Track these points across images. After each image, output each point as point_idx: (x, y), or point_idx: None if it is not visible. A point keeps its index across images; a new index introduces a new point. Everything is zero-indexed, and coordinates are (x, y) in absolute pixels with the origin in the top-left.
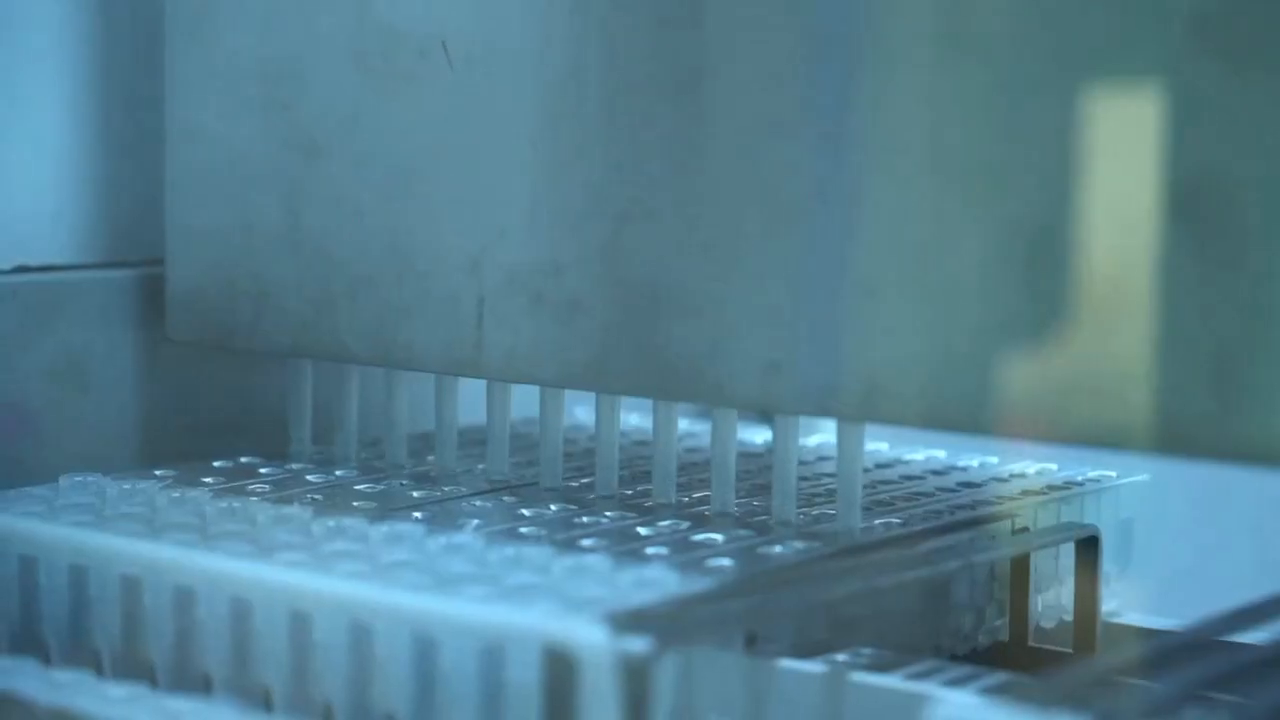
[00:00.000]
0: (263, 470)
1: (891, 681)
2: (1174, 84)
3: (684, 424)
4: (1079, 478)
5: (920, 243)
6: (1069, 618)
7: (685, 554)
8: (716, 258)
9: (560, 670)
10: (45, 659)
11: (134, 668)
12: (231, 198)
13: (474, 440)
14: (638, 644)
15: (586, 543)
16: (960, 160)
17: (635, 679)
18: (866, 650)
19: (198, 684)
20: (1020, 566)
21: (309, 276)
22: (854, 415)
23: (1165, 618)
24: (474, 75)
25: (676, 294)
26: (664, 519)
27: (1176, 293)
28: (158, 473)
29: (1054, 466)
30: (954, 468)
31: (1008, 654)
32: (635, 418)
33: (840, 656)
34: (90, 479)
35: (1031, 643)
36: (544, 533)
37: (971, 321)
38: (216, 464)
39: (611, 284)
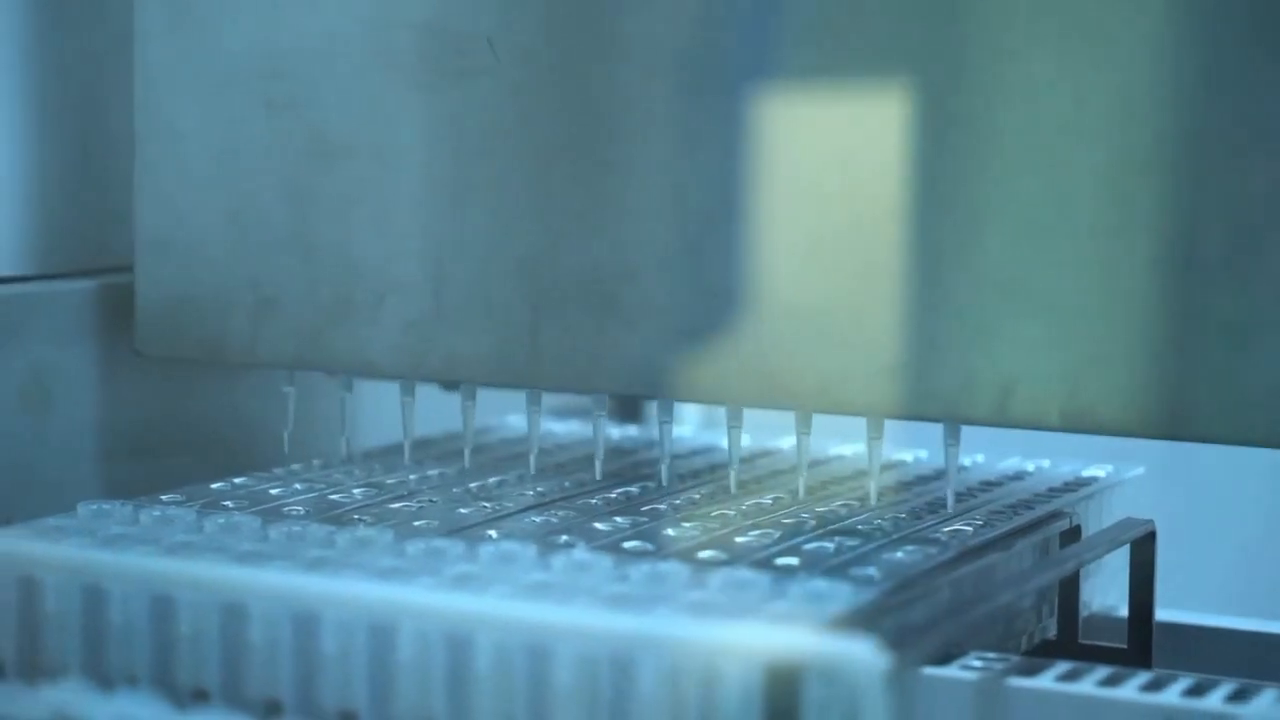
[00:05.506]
0: (274, 491)
1: (1157, 699)
2: None
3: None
4: (1082, 474)
5: (1055, 241)
6: (1088, 613)
7: (819, 564)
8: (824, 258)
9: (780, 687)
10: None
11: (240, 702)
12: (220, 202)
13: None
14: (887, 657)
15: (703, 555)
16: (1112, 164)
17: (898, 692)
18: (991, 655)
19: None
20: None
21: (322, 285)
22: (987, 419)
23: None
24: (524, 69)
25: (773, 296)
26: (753, 528)
27: None
28: (164, 498)
29: (1047, 463)
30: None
31: (1063, 652)
32: (576, 423)
33: (975, 662)
34: (108, 506)
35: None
36: (650, 547)
37: (1109, 322)
38: (214, 486)
39: (694, 288)
